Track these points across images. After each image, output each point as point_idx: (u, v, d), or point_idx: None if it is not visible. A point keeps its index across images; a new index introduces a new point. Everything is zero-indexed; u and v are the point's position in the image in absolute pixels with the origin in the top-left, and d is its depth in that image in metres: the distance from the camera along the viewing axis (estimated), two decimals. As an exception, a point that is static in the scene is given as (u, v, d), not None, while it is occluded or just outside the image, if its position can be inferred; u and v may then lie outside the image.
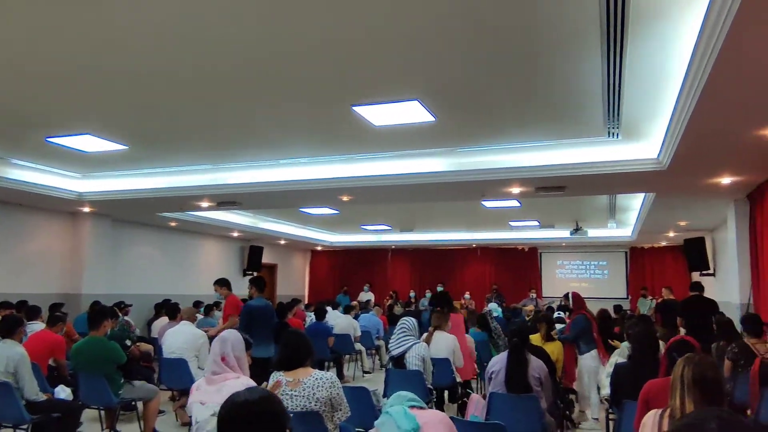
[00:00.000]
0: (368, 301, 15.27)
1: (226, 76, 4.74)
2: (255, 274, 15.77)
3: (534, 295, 15.55)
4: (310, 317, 10.56)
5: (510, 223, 13.58)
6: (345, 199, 8.70)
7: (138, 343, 7.55)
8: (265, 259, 16.04)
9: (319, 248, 19.04)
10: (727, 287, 9.10)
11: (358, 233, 16.67)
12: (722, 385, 2.54)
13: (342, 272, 19.51)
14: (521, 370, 4.38)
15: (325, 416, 3.63)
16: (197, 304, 10.40)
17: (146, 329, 10.86)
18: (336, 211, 11.60)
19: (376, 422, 2.83)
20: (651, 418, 2.53)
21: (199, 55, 4.34)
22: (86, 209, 9.90)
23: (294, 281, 18.74)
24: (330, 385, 3.66)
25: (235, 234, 14.20)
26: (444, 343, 6.30)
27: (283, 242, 16.55)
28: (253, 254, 15.38)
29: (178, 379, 6.09)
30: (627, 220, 12.94)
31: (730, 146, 5.39)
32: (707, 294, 8.41)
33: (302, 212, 11.93)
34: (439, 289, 13.68)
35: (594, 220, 12.86)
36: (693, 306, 7.72)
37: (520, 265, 18.04)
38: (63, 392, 5.51)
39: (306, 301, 16.95)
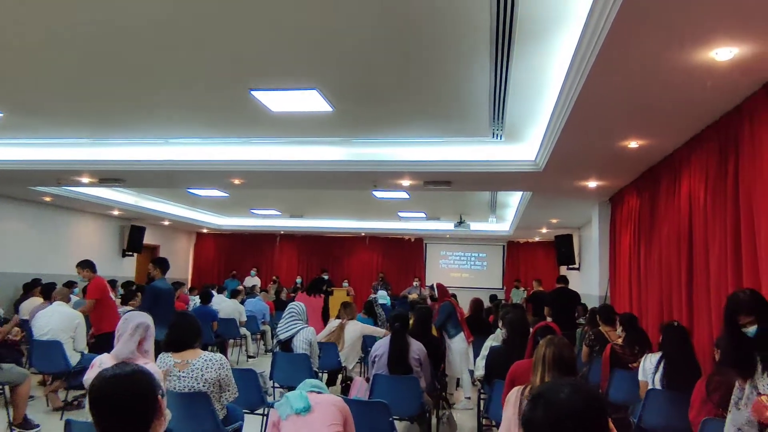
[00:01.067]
0: (254, 286, 15.12)
1: (119, 50, 4.57)
2: (135, 255, 15.12)
3: (418, 284, 16.14)
4: (194, 301, 10.34)
5: (399, 213, 14.01)
6: (236, 182, 8.60)
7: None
8: (147, 239, 15.40)
9: (205, 231, 18.54)
10: (589, 280, 10.01)
11: (247, 217, 16.43)
12: (576, 363, 2.92)
13: (228, 256, 19.13)
14: (403, 352, 4.66)
15: (212, 397, 3.69)
16: (70, 284, 9.82)
17: (12, 310, 10.10)
18: (226, 194, 11.40)
19: (275, 404, 2.95)
20: (514, 394, 2.83)
21: (89, 26, 4.16)
22: (-55, 178, 9.04)
23: (177, 264, 18.08)
24: (219, 366, 3.72)
25: (116, 212, 13.50)
26: (353, 334, 6.55)
27: (167, 223, 15.96)
28: (134, 234, 14.71)
29: (51, 362, 5.80)
30: (506, 215, 13.79)
31: (596, 155, 5.98)
32: (574, 286, 9.23)
33: (190, 193, 11.59)
34: (324, 276, 13.83)
35: (476, 214, 13.58)
36: (558, 297, 8.45)
37: (407, 254, 18.64)
38: None
39: (189, 285, 16.47)
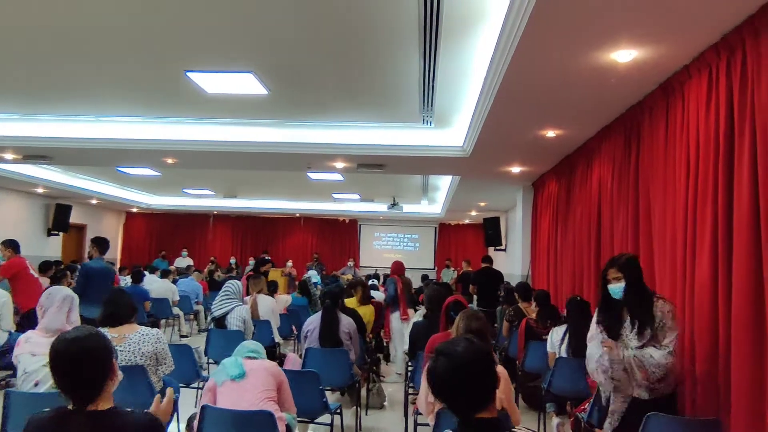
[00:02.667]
0: (189, 266, 14.99)
1: (49, 23, 4.53)
2: (60, 234, 14.66)
3: (352, 264, 16.45)
4: (125, 281, 10.23)
5: (333, 195, 14.20)
6: (170, 161, 8.57)
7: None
8: (74, 218, 14.95)
9: (135, 210, 18.13)
10: (514, 261, 10.57)
11: (180, 196, 16.18)
12: (486, 333, 3.28)
13: (159, 236, 18.81)
14: (333, 326, 4.92)
15: (149, 370, 3.82)
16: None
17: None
18: (158, 173, 11.26)
19: (213, 372, 3.14)
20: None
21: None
22: None
23: (105, 244, 17.64)
24: (155, 340, 3.86)
25: (40, 190, 13.04)
26: (264, 306, 6.69)
27: (95, 202, 15.52)
28: (60, 213, 14.25)
29: (-24, 342, 5.71)
30: (437, 198, 14.24)
31: (518, 142, 6.39)
32: (501, 267, 9.75)
33: (120, 171, 11.37)
34: (266, 257, 13.88)
35: (409, 196, 13.95)
36: (482, 276, 8.94)
37: (341, 235, 18.90)
38: None
39: (119, 265, 16.13)
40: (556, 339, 4.93)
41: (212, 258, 16.99)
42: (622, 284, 3.19)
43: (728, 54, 3.35)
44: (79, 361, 1.78)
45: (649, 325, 3.14)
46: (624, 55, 3.77)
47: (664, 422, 2.94)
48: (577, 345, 4.62)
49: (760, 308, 2.93)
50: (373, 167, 8.11)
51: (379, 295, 9.90)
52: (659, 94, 4.32)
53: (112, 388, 1.84)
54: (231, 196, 15.65)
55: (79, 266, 9.33)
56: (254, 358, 3.25)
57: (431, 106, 6.10)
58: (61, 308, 3.44)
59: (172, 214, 18.47)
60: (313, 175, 10.55)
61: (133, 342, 3.78)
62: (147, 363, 3.81)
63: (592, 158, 6.07)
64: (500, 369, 2.92)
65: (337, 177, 10.58)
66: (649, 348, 3.13)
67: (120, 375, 1.90)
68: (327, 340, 4.91)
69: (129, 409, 1.85)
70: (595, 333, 3.38)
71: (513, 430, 1.79)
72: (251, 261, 16.81)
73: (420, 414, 4.10)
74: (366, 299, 6.86)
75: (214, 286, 12.12)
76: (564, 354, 4.74)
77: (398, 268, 7.89)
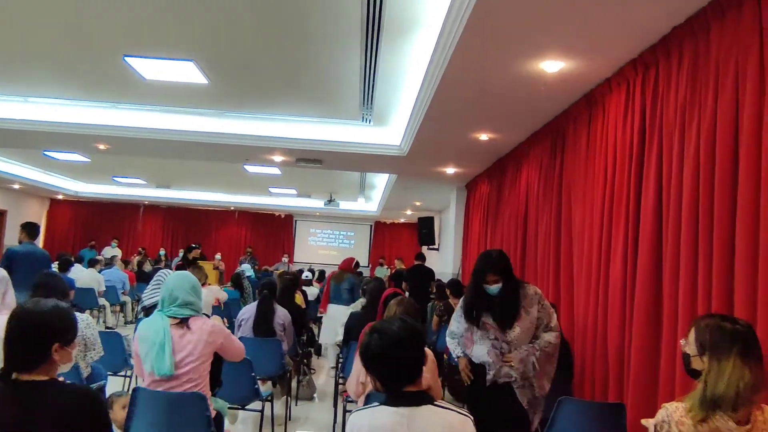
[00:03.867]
0: (113, 256, 14.54)
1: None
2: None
3: (287, 260, 16.40)
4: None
5: (270, 189, 14.13)
6: (102, 147, 8.33)
7: None
8: (-8, 203, 14.24)
9: (60, 197, 17.39)
10: (446, 260, 10.88)
11: (109, 184, 15.67)
12: (418, 318, 3.49)
13: (86, 225, 18.12)
14: (269, 316, 4.99)
15: (77, 356, 3.78)
16: None
17: None
18: (87, 159, 10.89)
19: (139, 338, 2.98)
20: None
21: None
22: None
23: (26, 231, 16.84)
24: (85, 326, 3.81)
25: (-44, 172, 12.37)
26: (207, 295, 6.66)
27: (17, 186, 14.81)
28: (-23, 197, 13.54)
29: None
30: (374, 196, 14.42)
31: (453, 144, 6.63)
32: (434, 265, 10.01)
33: (46, 155, 10.92)
34: (194, 245, 13.61)
35: (346, 193, 14.07)
36: (414, 273, 9.16)
37: (276, 230, 18.79)
38: None
39: (40, 254, 15.42)
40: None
41: (141, 248, 16.54)
42: (499, 285, 3.20)
43: (644, 70, 3.66)
44: (40, 330, 1.81)
45: (515, 312, 3.19)
46: (552, 66, 4.03)
47: (575, 405, 3.19)
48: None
49: (657, 306, 3.24)
50: (311, 162, 8.19)
51: (312, 291, 9.99)
52: (583, 104, 4.63)
53: (57, 362, 1.87)
54: (164, 186, 15.29)
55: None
56: (185, 318, 2.96)
57: (371, 104, 6.25)
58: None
59: (100, 203, 17.84)
60: (251, 168, 10.49)
61: (61, 327, 3.72)
62: (74, 352, 3.76)
63: (521, 162, 6.38)
64: (427, 350, 3.10)
65: (275, 171, 10.57)
66: (543, 335, 3.23)
67: (73, 355, 1.93)
68: (261, 329, 4.97)
69: (68, 381, 1.88)
70: (458, 317, 3.41)
71: (437, 402, 1.94)
72: (181, 252, 16.47)
73: (350, 402, 4.24)
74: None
75: (142, 278, 11.83)
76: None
77: (346, 264, 8.10)
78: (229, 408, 4.21)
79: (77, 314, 3.82)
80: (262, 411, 4.09)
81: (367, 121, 6.98)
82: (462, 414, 1.93)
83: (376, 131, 7.37)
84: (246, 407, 4.17)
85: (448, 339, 3.48)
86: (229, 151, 7.95)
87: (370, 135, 7.39)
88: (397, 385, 1.92)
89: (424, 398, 1.92)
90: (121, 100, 6.96)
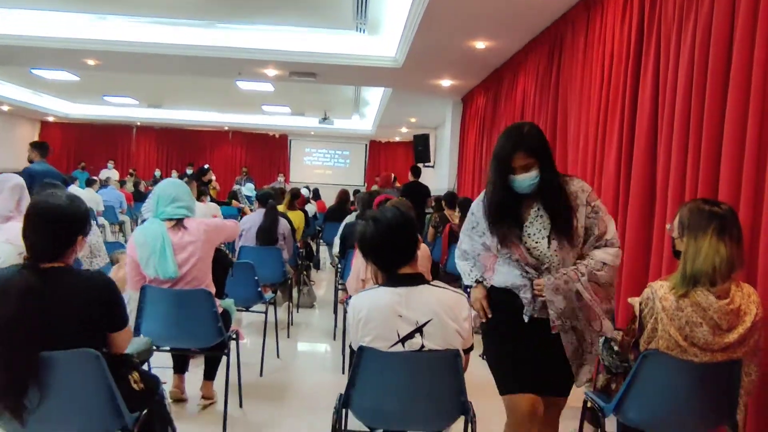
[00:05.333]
0: (108, 177, 14.55)
1: None
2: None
3: (282, 179, 16.45)
4: (46, 190, 9.89)
5: (263, 107, 13.97)
6: (91, 63, 8.16)
7: None
8: (-17, 126, 14.07)
9: (51, 119, 17.17)
10: (441, 177, 10.94)
11: (100, 105, 15.43)
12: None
13: (79, 148, 18.00)
14: (273, 227, 5.12)
15: (83, 262, 3.89)
16: None
17: None
18: (76, 77, 10.68)
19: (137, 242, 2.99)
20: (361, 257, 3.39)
21: None
22: None
23: (18, 154, 16.71)
24: (90, 233, 3.90)
25: (-58, 93, 12.14)
26: (198, 211, 6.75)
27: (6, 108, 14.59)
28: (-33, 119, 13.36)
29: None
30: (369, 113, 14.29)
31: (449, 53, 6.52)
32: (429, 183, 10.06)
33: (34, 74, 10.69)
34: (189, 171, 13.62)
35: (340, 111, 13.93)
36: (410, 189, 9.22)
37: (271, 150, 18.72)
38: None
39: (35, 176, 15.40)
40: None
41: (131, 170, 16.51)
42: (534, 173, 2.10)
43: (644, -33, 3.58)
44: (63, 216, 1.88)
45: (565, 217, 2.13)
46: (550, -35, 3.93)
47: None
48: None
49: (649, 201, 3.33)
50: (304, 76, 8.07)
51: (310, 208, 10.11)
52: (582, 7, 4.54)
53: (73, 253, 1.96)
54: (156, 105, 15.08)
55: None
56: (180, 219, 3.01)
57: (365, 13, 6.10)
58: (12, 195, 3.38)
59: (92, 125, 17.63)
60: (243, 85, 10.33)
61: (67, 234, 3.81)
62: (82, 255, 3.87)
63: (517, 71, 6.31)
64: (423, 247, 3.21)
65: (268, 87, 10.42)
66: (594, 253, 2.15)
67: (86, 244, 2.01)
68: (264, 238, 5.10)
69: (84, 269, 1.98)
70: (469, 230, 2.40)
71: (432, 282, 2.05)
72: (174, 174, 16.48)
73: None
74: (293, 206, 7.06)
75: (139, 198, 11.91)
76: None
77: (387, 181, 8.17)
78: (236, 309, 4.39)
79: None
80: (265, 313, 4.26)
81: (361, 31, 6.83)
82: (456, 292, 2.05)
83: (371, 42, 7.22)
84: (250, 309, 4.34)
85: (458, 262, 2.46)
86: (221, 64, 7.81)
87: (364, 46, 7.25)
88: (392, 268, 2.03)
89: (420, 279, 2.04)
90: (110, 11, 6.76)
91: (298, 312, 5.96)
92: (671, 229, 2.21)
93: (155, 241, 2.93)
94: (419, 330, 1.96)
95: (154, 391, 2.18)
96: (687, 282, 2.03)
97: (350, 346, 2.12)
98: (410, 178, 9.54)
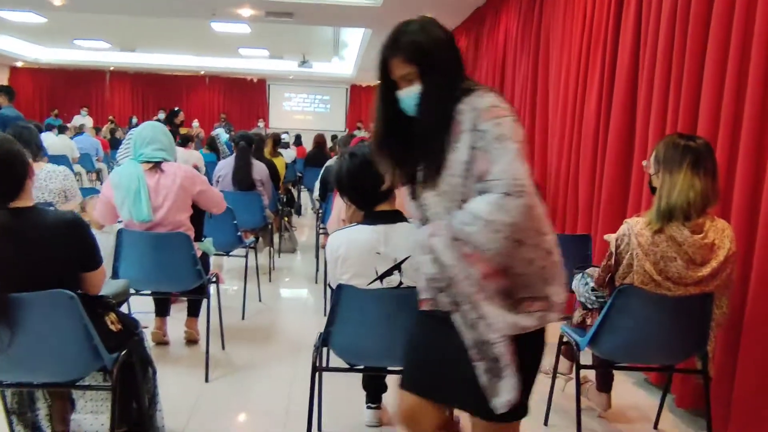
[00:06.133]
0: (82, 124, 14.20)
1: None
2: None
3: (262, 125, 16.19)
4: (18, 136, 9.63)
5: (239, 49, 13.58)
6: (57, 2, 7.82)
7: None
8: (-52, 71, 13.55)
9: (20, 64, 16.58)
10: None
11: (71, 49, 14.90)
12: None
13: (51, 95, 17.49)
14: (247, 169, 5.03)
15: (57, 206, 3.82)
16: None
17: None
18: (43, 18, 10.23)
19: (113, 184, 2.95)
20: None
21: None
22: None
23: (-12, 101, 16.21)
24: (63, 177, 3.81)
25: None
26: (181, 157, 6.66)
27: (-30, 53, 14.05)
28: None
29: None
30: (348, 56, 13.98)
31: (430, -9, 6.34)
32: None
33: (-3, 15, 10.24)
34: (161, 115, 13.32)
35: (320, 54, 13.61)
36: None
37: (249, 96, 18.36)
38: None
39: (6, 124, 14.98)
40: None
41: (110, 117, 16.13)
42: (415, 87, 1.50)
43: None
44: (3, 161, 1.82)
45: (434, 148, 1.48)
46: None
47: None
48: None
49: (629, 138, 3.33)
50: (281, 15, 7.81)
51: (289, 154, 9.99)
52: (565, -58, 4.41)
53: (31, 188, 1.90)
54: (129, 49, 14.61)
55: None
56: (158, 162, 2.95)
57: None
58: None
59: (64, 70, 17.07)
60: (218, 26, 9.99)
61: (40, 179, 3.70)
62: (56, 200, 3.79)
63: (500, 10, 6.17)
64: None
65: (244, 29, 10.10)
66: (470, 202, 1.41)
67: (35, 174, 1.95)
68: (240, 182, 5.02)
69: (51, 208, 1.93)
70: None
71: (411, 220, 2.03)
72: (133, 119, 16.15)
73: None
74: (276, 152, 6.96)
75: (115, 145, 11.66)
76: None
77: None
78: (216, 254, 4.38)
79: (54, 166, 3.84)
80: (246, 257, 4.25)
81: (339, -32, 6.60)
82: None
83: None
84: (231, 254, 4.32)
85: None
86: (193, 3, 7.52)
87: (342, -16, 7.02)
88: (371, 205, 2.00)
89: (398, 216, 2.02)
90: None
91: (279, 257, 5.96)
92: (648, 165, 2.21)
93: (131, 182, 2.87)
94: (397, 267, 1.96)
95: (132, 332, 2.17)
96: (662, 217, 2.04)
97: (329, 285, 2.12)
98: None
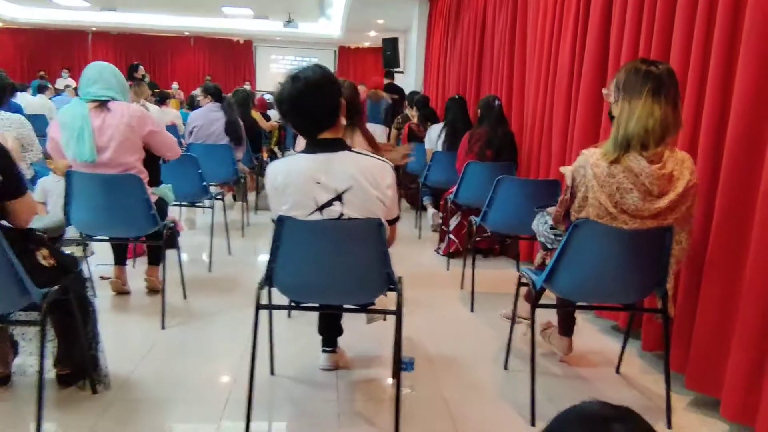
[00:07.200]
0: (66, 86, 13.90)
1: None
2: None
3: (248, 87, 15.88)
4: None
5: (222, 8, 13.25)
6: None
7: None
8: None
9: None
10: (409, 81, 10.63)
11: (50, 8, 14.50)
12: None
13: (32, 56, 17.12)
14: (237, 120, 5.00)
15: (16, 156, 3.69)
16: None
17: None
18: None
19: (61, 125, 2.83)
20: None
21: None
22: None
23: (-35, 61, 15.89)
24: (18, 125, 3.71)
25: None
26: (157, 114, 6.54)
27: (-54, 11, 13.66)
28: None
29: None
30: (334, 16, 13.67)
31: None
32: (397, 87, 9.76)
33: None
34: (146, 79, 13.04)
35: (305, 14, 13.29)
36: (392, 88, 8.93)
37: (235, 57, 18.03)
38: None
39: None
40: (433, 135, 5.16)
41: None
42: None
43: None
44: None
45: None
46: None
47: (510, 183, 3.28)
48: (453, 139, 4.87)
49: (602, 78, 3.22)
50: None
51: (274, 114, 9.82)
52: None
53: None
54: (109, 8, 14.22)
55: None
56: (105, 101, 2.81)
57: None
58: None
59: (45, 30, 16.66)
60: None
61: (-8, 125, 3.59)
62: (12, 149, 3.66)
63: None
64: (381, 129, 2.99)
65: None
66: None
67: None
68: (233, 132, 4.98)
69: None
70: None
71: (354, 149, 1.93)
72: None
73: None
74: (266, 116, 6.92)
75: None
76: (440, 149, 5.01)
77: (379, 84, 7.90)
78: (180, 205, 4.28)
79: (7, 113, 3.71)
80: (212, 208, 4.15)
81: None
82: (381, 160, 1.94)
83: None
84: (197, 204, 4.22)
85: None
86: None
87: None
88: (312, 132, 1.90)
89: (340, 145, 1.91)
90: None
91: (256, 214, 5.86)
92: (608, 93, 2.10)
93: (75, 121, 2.75)
94: (339, 197, 1.86)
95: (69, 269, 2.08)
96: (619, 146, 1.94)
97: (272, 219, 2.02)
98: (385, 81, 9.25)
